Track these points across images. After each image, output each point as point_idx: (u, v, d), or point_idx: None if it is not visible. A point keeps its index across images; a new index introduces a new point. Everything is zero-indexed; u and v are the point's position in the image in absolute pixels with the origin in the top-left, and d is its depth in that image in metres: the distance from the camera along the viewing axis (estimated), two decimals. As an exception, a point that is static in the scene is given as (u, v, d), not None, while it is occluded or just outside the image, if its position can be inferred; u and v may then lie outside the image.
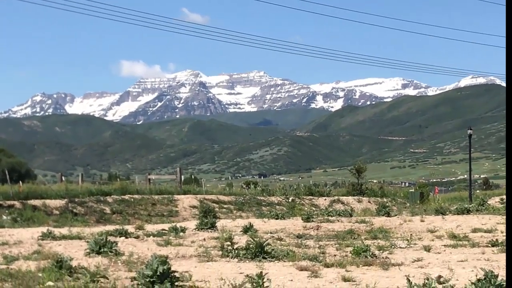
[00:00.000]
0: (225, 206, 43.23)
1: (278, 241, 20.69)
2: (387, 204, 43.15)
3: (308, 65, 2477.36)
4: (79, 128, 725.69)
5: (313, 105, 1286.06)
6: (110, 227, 25.72)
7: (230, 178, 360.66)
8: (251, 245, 16.11)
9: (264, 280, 11.06)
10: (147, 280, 11.22)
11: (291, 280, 12.79)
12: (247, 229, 23.84)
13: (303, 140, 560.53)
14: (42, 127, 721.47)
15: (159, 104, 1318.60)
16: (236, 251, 16.36)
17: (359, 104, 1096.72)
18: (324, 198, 51.09)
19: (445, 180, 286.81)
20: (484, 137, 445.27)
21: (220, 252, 16.93)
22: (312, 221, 29.26)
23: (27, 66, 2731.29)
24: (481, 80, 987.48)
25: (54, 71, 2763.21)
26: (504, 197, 53.59)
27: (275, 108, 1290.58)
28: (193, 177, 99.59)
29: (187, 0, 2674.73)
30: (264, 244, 16.11)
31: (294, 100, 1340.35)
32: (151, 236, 22.43)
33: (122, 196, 40.33)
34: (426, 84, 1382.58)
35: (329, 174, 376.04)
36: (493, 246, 18.60)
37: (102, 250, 16.77)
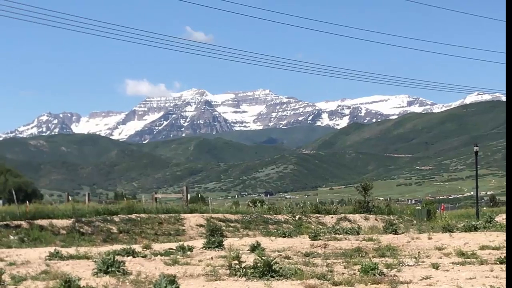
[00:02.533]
0: (231, 224, 43.18)
1: (286, 260, 20.65)
2: (394, 221, 43.10)
3: (314, 83, 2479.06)
4: (85, 148, 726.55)
5: (318, 123, 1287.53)
6: (117, 247, 25.70)
7: (236, 197, 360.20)
8: (259, 264, 16.08)
9: (273, 299, 11.06)
10: (156, 299, 11.22)
11: (300, 299, 12.77)
12: (254, 248, 23.79)
13: (309, 158, 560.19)
14: (48, 147, 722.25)
15: (165, 123, 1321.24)
16: (244, 270, 16.33)
17: (365, 121, 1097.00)
18: (331, 216, 51.02)
19: (452, 197, 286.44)
20: (490, 154, 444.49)
21: (228, 271, 16.90)
22: (319, 239, 29.18)
23: (33, 86, 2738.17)
24: (487, 97, 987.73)
25: (60, 91, 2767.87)
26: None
27: (280, 126, 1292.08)
28: (199, 195, 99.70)
29: (190, 19, 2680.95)
30: (272, 263, 16.08)
31: (300, 118, 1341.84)
32: (159, 255, 22.39)
33: (129, 215, 40.31)
34: (432, 101, 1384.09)
35: (335, 191, 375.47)
36: (501, 263, 18.54)
37: (109, 269, 16.75)
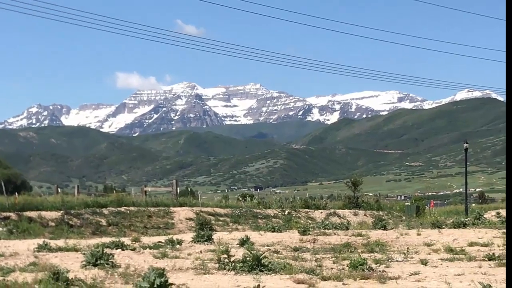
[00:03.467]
0: (221, 218, 43.17)
1: (275, 254, 20.65)
2: (384, 217, 43.18)
3: (305, 78, 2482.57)
4: (75, 140, 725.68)
5: (309, 118, 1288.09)
6: (106, 239, 25.66)
7: (226, 191, 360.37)
8: (248, 258, 16.07)
9: (262, 293, 11.06)
10: (144, 292, 11.19)
11: (288, 293, 12.77)
12: (243, 242, 23.79)
13: (299, 153, 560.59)
14: (38, 139, 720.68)
15: (155, 116, 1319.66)
16: (233, 264, 16.32)
17: (355, 117, 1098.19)
18: (320, 211, 51.06)
19: (441, 193, 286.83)
20: (480, 150, 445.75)
21: (217, 265, 16.88)
22: (309, 234, 29.20)
23: (23, 78, 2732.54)
24: (477, 94, 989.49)
25: (50, 83, 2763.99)
26: (500, 211, 53.64)
27: (271, 120, 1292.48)
28: (189, 189, 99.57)
29: (181, 12, 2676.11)
30: (261, 257, 16.07)
31: (290, 113, 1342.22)
32: (148, 249, 22.37)
33: (118, 208, 40.24)
34: (422, 98, 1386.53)
35: (325, 187, 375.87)
36: (490, 260, 18.58)
37: (98, 262, 16.71)
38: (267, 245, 24.34)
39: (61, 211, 36.69)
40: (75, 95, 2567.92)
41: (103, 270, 15.93)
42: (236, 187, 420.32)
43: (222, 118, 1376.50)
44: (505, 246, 22.94)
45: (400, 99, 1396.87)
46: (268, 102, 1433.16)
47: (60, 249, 21.34)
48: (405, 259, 19.39)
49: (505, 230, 29.58)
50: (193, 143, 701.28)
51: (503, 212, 50.09)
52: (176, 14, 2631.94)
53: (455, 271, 16.16)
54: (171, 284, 11.58)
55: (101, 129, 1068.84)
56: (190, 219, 41.14)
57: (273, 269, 15.86)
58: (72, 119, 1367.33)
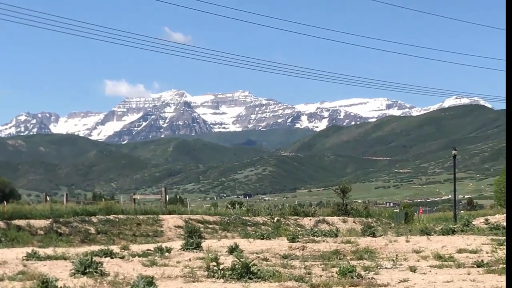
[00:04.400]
0: (210, 226, 43.15)
1: (264, 262, 20.66)
2: (372, 224, 43.26)
3: (293, 85, 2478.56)
4: (63, 148, 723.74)
5: (298, 125, 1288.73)
6: (95, 247, 25.63)
7: (215, 198, 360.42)
8: (237, 266, 16.09)
9: (251, 301, 11.07)
10: (134, 301, 11.20)
11: (278, 301, 12.78)
12: (232, 250, 23.80)
13: (288, 160, 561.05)
14: (27, 147, 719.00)
15: (144, 123, 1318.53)
16: (222, 272, 16.33)
17: (344, 124, 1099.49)
18: (309, 218, 51.07)
19: (430, 200, 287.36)
20: (468, 157, 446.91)
21: (206, 273, 16.89)
22: (298, 241, 29.22)
23: (12, 86, 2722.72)
24: (465, 101, 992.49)
25: (39, 91, 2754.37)
26: (489, 217, 53.80)
27: (260, 128, 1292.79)
28: (178, 197, 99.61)
29: (168, 20, 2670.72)
30: (250, 265, 16.09)
31: (279, 120, 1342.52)
32: (137, 257, 22.34)
33: (107, 216, 40.19)
34: (411, 105, 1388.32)
35: (314, 194, 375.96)
36: (478, 266, 18.64)
37: (87, 270, 16.70)
38: (256, 253, 24.35)
39: (50, 220, 36.62)
40: (63, 103, 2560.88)
41: (92, 278, 15.91)
42: (225, 195, 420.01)
43: (211, 125, 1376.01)
44: (493, 253, 23.03)
45: (389, 106, 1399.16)
46: (257, 109, 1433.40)
47: (49, 257, 21.30)
48: (394, 266, 19.44)
49: (494, 237, 29.70)
50: (182, 150, 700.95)
51: (491, 219, 50.29)
52: (164, 22, 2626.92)
53: (444, 278, 16.21)
54: (160, 292, 11.58)
55: (90, 137, 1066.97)
56: (179, 226, 41.11)
57: (262, 276, 15.87)
58: (60, 127, 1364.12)
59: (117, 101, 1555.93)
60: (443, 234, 32.61)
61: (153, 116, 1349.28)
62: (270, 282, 15.43)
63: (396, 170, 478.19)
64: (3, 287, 13.92)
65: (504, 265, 18.26)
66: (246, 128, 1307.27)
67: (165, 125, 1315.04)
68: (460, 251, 24.30)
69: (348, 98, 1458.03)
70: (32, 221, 35.87)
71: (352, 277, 15.83)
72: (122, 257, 21.90)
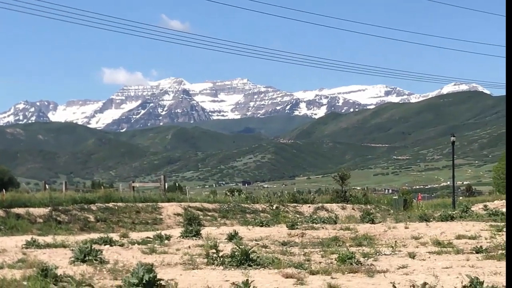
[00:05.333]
0: (209, 213, 43.13)
1: (263, 249, 20.68)
2: (371, 211, 43.21)
3: (292, 73, 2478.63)
4: (62, 136, 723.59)
5: (296, 113, 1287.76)
6: (94, 235, 25.63)
7: (214, 186, 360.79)
8: (236, 253, 16.09)
9: (250, 288, 11.07)
10: (133, 288, 11.20)
11: (277, 288, 12.79)
12: (232, 237, 23.82)
13: (286, 147, 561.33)
14: (25, 135, 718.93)
15: (143, 111, 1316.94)
16: (222, 259, 16.34)
17: (343, 111, 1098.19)
18: (308, 205, 51.03)
19: (428, 186, 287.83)
20: (467, 144, 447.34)
21: (206, 260, 16.89)
22: (297, 228, 29.24)
23: (10, 74, 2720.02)
24: (464, 87, 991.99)
25: (37, 79, 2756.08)
26: (488, 203, 53.79)
27: (258, 115, 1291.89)
28: (177, 184, 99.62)
29: (166, 7, 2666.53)
30: (249, 252, 16.10)
31: (278, 108, 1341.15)
32: (136, 244, 22.35)
33: (106, 204, 40.16)
34: (409, 91, 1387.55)
35: (312, 181, 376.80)
36: (477, 252, 18.67)
37: (87, 258, 16.71)
38: (256, 240, 24.37)
39: (49, 208, 36.59)
40: (62, 91, 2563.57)
41: (91, 266, 15.92)
42: (224, 182, 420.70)
43: (210, 113, 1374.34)
44: (492, 239, 23.07)
45: (387, 93, 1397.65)
46: (255, 97, 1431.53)
47: (48, 245, 21.32)
48: (393, 253, 19.46)
49: (493, 223, 29.74)
50: (180, 138, 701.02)
51: (490, 205, 50.27)
52: (161, 9, 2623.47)
53: (443, 264, 16.23)
54: (160, 279, 11.59)
55: (88, 125, 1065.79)
56: (178, 214, 41.10)
57: (262, 263, 15.89)
58: (59, 115, 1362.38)
59: (116, 89, 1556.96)
60: (442, 221, 32.61)
61: (151, 104, 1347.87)
62: (270, 269, 15.44)
63: (395, 157, 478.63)
64: (3, 275, 13.92)
65: (503, 251, 18.30)
66: (244, 116, 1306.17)
67: (163, 113, 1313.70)
68: (459, 237, 24.32)
69: (347, 85, 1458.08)
70: (31, 209, 35.83)
71: (351, 264, 15.85)
72: (122, 245, 21.92)
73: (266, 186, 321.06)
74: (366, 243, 22.49)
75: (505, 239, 21.82)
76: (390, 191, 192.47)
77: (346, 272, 14.71)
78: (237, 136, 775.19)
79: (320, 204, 51.71)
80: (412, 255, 18.16)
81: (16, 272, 14.64)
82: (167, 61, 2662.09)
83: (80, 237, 26.01)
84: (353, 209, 50.85)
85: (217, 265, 16.08)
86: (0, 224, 31.85)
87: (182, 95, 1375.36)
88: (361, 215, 37.16)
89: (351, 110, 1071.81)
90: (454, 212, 37.64)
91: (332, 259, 17.36)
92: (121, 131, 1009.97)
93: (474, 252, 18.88)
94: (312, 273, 14.64)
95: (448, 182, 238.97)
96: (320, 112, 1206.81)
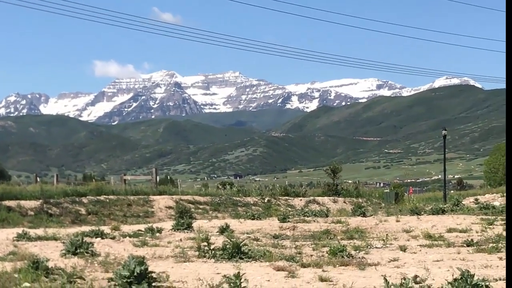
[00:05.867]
0: (201, 206, 43.12)
1: (255, 242, 20.67)
2: (363, 204, 43.25)
3: (284, 66, 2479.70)
4: (53, 129, 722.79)
5: (288, 106, 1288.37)
6: (85, 228, 25.59)
7: (205, 179, 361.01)
8: (227, 246, 16.10)
9: (242, 281, 11.08)
10: (124, 280, 11.18)
11: (268, 280, 12.79)
12: (223, 230, 23.83)
13: (278, 140, 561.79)
14: (17, 128, 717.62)
15: (134, 104, 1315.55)
16: (213, 252, 16.34)
17: (334, 104, 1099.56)
18: (299, 198, 51.06)
19: (420, 180, 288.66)
20: (458, 137, 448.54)
21: (197, 253, 16.90)
22: (288, 221, 29.27)
23: (1, 66, 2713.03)
24: (455, 81, 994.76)
25: (28, 71, 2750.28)
26: (479, 197, 54.02)
27: (250, 108, 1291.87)
28: (168, 177, 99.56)
29: (157, 0, 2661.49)
30: (240, 245, 16.10)
31: (270, 101, 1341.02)
32: (127, 237, 22.33)
33: (98, 197, 40.10)
34: (401, 85, 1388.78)
35: (304, 174, 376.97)
36: (468, 246, 18.71)
37: (78, 251, 16.69)
38: (247, 233, 24.38)
39: (40, 200, 36.53)
40: (53, 84, 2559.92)
41: (83, 258, 15.90)
42: (215, 175, 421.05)
43: (202, 106, 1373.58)
44: (482, 233, 23.14)
45: (379, 87, 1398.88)
46: (247, 90, 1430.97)
47: (39, 238, 21.28)
48: (384, 246, 19.49)
49: (484, 216, 29.82)
50: (172, 131, 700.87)
51: (481, 199, 50.46)
52: (152, 2, 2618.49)
53: (434, 257, 16.27)
54: (151, 272, 11.58)
55: (80, 118, 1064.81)
56: (170, 207, 41.08)
57: (253, 256, 15.89)
58: (50, 108, 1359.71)
59: (107, 82, 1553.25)
60: (433, 214, 32.68)
61: (143, 97, 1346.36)
62: (261, 261, 15.45)
63: (387, 151, 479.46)
64: (-6, 268, 13.89)
65: (494, 244, 18.36)
66: (236, 109, 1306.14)
67: (155, 106, 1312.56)
68: (450, 230, 24.39)
69: (339, 79, 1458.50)
70: (22, 202, 35.76)
71: (342, 257, 15.86)
72: (113, 238, 21.89)
73: (257, 179, 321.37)
74: (358, 236, 22.52)
75: (496, 233, 21.93)
76: (382, 184, 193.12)
77: (337, 265, 14.73)
78: (229, 129, 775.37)
79: (311, 198, 51.74)
80: (403, 248, 18.19)
81: (7, 264, 14.61)
82: (159, 54, 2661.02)
83: (72, 229, 25.97)
84: (344, 202, 50.90)
85: (208, 258, 16.09)
86: (-9, 216, 31.80)
87: (174, 88, 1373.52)
88: (353, 209, 37.22)
89: (343, 103, 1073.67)
90: (445, 206, 37.75)
91: (323, 252, 17.38)
92: (112, 124, 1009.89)
93: (465, 245, 18.92)
94: (304, 266, 14.65)
95: (440, 176, 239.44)
96: (312, 106, 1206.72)
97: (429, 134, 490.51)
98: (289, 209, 43.89)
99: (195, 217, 34.46)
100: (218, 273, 13.36)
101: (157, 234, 23.24)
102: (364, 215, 33.44)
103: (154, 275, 11.65)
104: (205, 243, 17.08)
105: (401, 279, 10.75)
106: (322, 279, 12.73)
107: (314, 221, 30.20)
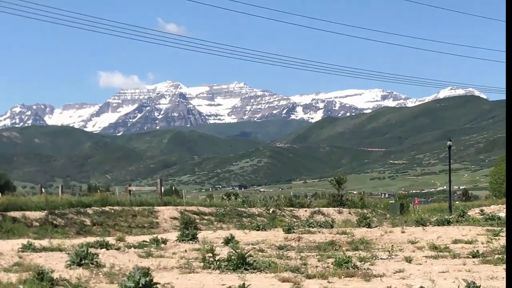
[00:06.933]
0: (205, 217, 43.10)
1: (260, 253, 20.66)
2: (368, 215, 43.23)
3: (288, 77, 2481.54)
4: (58, 140, 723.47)
5: (293, 117, 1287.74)
6: (90, 239, 25.60)
7: (210, 190, 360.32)
8: (232, 257, 16.09)
9: (247, 292, 11.07)
10: (130, 292, 11.18)
11: (274, 292, 12.79)
12: (228, 241, 23.81)
13: (283, 151, 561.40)
14: (22, 139, 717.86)
15: (139, 115, 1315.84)
16: (218, 263, 16.33)
17: (339, 115, 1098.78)
18: (304, 209, 51.02)
19: (425, 191, 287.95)
20: (463, 148, 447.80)
21: (202, 264, 16.89)
22: (293, 232, 29.21)
23: (6, 77, 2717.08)
24: (460, 92, 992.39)
25: (34, 83, 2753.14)
26: (484, 208, 53.87)
27: (255, 119, 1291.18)
28: (173, 188, 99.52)
29: (162, 11, 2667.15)
30: (245, 256, 16.09)
31: (274, 112, 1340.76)
32: (132, 248, 22.33)
33: (103, 208, 40.10)
34: (406, 96, 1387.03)
35: (309, 185, 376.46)
36: (474, 257, 18.67)
37: (83, 262, 16.68)
38: (252, 244, 24.36)
39: (45, 211, 36.55)
40: (58, 95, 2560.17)
41: (87, 269, 15.90)
42: (220, 186, 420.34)
43: (206, 117, 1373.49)
44: (488, 244, 23.07)
45: (384, 97, 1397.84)
46: (252, 100, 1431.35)
47: (44, 249, 21.28)
48: (389, 257, 19.46)
49: (489, 228, 29.74)
50: (177, 142, 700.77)
51: (486, 210, 50.36)
52: (157, 13, 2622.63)
53: (440, 269, 16.23)
54: (156, 283, 11.58)
55: (85, 129, 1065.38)
56: (175, 218, 41.08)
57: (258, 267, 15.88)
58: (55, 119, 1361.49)
59: (112, 93, 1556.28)
60: (438, 225, 32.63)
61: (148, 108, 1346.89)
62: (266, 273, 15.44)
63: (391, 161, 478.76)
64: (-1, 279, 13.90)
65: (500, 256, 18.31)
66: (241, 120, 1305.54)
67: (160, 116, 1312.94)
68: (455, 241, 24.34)
69: (343, 89, 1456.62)
70: (27, 213, 35.80)
71: (347, 268, 15.85)
72: (118, 249, 21.89)
73: (262, 190, 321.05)
74: (363, 247, 22.49)
75: (502, 244, 21.86)
76: (387, 195, 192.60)
77: (342, 276, 14.71)
78: (234, 140, 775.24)
79: (316, 208, 51.69)
80: (408, 260, 18.16)
81: (12, 275, 14.62)
82: (164, 65, 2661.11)
83: (76, 240, 25.96)
84: (349, 213, 50.85)
85: (213, 269, 16.08)
86: (-4, 227, 31.81)
87: (178, 99, 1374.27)
88: (358, 219, 37.16)
89: (348, 114, 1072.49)
90: (450, 217, 37.70)
91: (328, 263, 17.36)
92: (117, 134, 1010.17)
93: (470, 256, 18.88)
94: (309, 277, 14.63)
95: (445, 187, 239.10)
96: (317, 116, 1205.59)
97: (434, 145, 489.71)
98: (294, 220, 43.86)
99: (200, 228, 34.48)
100: (223, 284, 13.35)
101: (162, 245, 23.24)
102: (369, 226, 33.38)
103: (159, 286, 11.64)
104: (210, 254, 17.07)
105: (407, 290, 10.73)
106: (327, 291, 12.71)
107: (319, 232, 30.15)
